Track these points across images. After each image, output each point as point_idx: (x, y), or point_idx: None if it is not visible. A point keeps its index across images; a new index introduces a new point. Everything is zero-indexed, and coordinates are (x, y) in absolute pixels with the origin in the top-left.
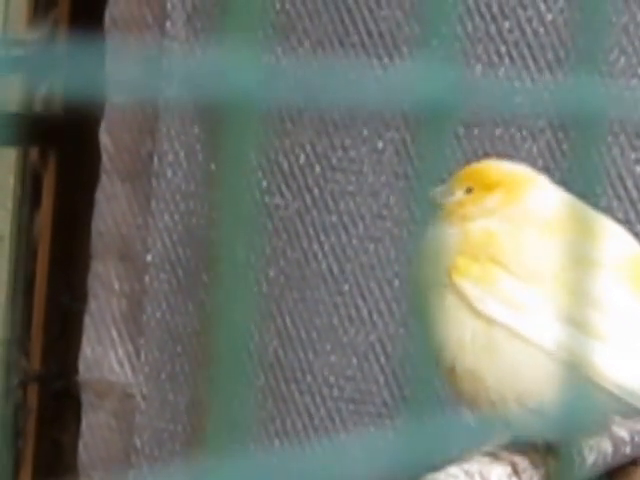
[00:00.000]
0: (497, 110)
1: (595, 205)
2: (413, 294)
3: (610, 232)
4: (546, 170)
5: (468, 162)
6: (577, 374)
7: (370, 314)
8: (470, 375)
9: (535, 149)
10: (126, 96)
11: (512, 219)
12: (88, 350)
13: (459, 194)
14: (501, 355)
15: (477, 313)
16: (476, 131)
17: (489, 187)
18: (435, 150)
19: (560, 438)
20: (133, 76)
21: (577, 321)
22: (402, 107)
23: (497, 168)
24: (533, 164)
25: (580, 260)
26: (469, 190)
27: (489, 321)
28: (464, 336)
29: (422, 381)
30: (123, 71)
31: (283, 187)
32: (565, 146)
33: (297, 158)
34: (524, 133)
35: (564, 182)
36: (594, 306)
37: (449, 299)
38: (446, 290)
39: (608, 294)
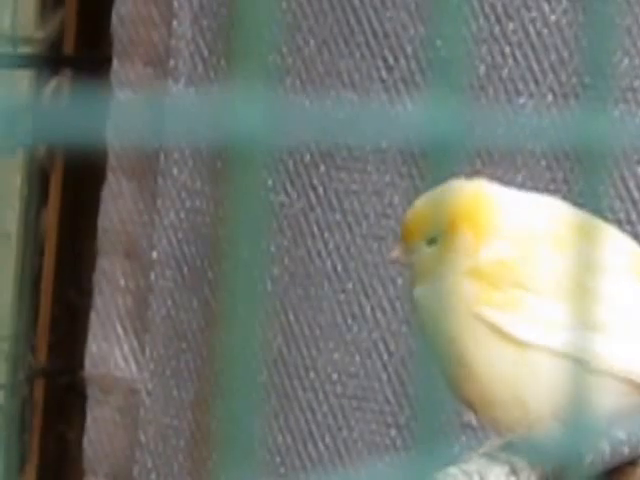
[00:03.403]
0: (503, 143)
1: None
2: (428, 346)
3: (607, 231)
4: (549, 169)
5: (471, 162)
6: (599, 377)
7: (373, 312)
8: (511, 403)
9: (538, 149)
10: (129, 141)
11: (511, 242)
12: (94, 346)
13: (424, 250)
14: (543, 376)
15: (512, 340)
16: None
17: (453, 229)
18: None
19: (583, 444)
20: (136, 121)
21: (602, 325)
22: (409, 144)
23: (447, 204)
24: (537, 164)
25: (591, 264)
26: (432, 241)
27: (525, 345)
28: (504, 366)
29: (434, 421)
30: (126, 116)
31: (288, 185)
32: (568, 147)
33: (302, 157)
34: (527, 133)
35: (568, 183)
36: (614, 308)
37: (478, 334)
38: (473, 327)
39: (625, 293)
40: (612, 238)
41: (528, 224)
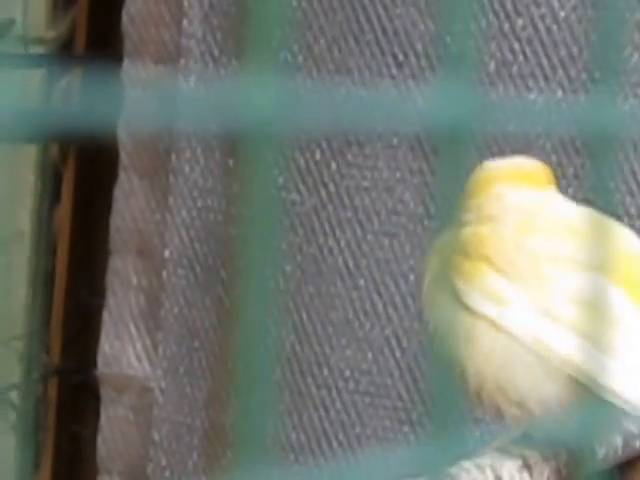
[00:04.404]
0: (516, 129)
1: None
2: (424, 291)
3: (604, 230)
4: (559, 166)
5: (482, 158)
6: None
7: (385, 308)
8: (456, 364)
9: (549, 145)
10: (141, 127)
11: (496, 218)
12: (107, 345)
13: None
14: (480, 345)
15: (465, 306)
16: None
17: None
18: (454, 171)
19: (574, 438)
20: (148, 106)
21: (553, 315)
22: (421, 129)
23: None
24: (546, 160)
25: (567, 257)
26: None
27: (473, 313)
28: (455, 328)
29: (441, 384)
30: (138, 102)
31: (299, 183)
32: (578, 142)
33: (313, 154)
34: (537, 129)
35: (579, 178)
36: (578, 304)
37: (446, 294)
38: (444, 291)
39: (594, 293)
40: (608, 237)
41: (525, 210)
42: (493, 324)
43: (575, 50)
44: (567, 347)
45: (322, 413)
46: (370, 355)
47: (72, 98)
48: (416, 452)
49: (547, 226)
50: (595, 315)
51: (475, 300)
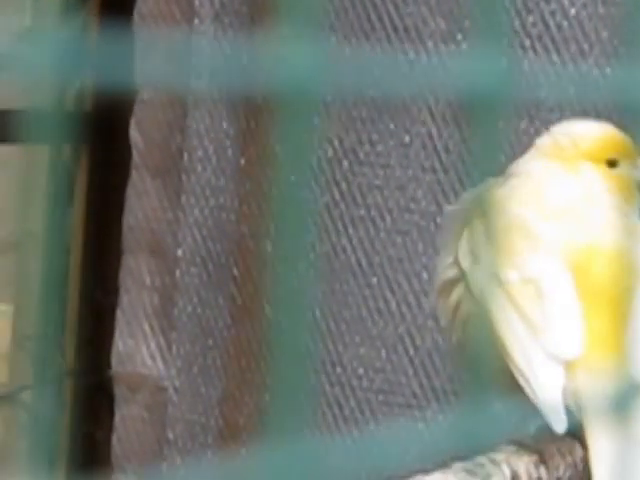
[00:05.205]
0: (550, 98)
1: None
2: None
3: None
4: None
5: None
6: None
7: (398, 306)
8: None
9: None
10: (155, 89)
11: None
12: (120, 344)
13: None
14: (453, 299)
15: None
16: (500, 124)
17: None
18: (486, 139)
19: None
20: (162, 69)
21: (501, 287)
22: (453, 96)
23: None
24: None
25: (539, 235)
26: None
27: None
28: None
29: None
30: (152, 64)
31: (311, 181)
32: None
33: (325, 152)
34: (549, 127)
35: None
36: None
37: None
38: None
39: (542, 274)
40: (578, 224)
41: (543, 179)
42: (464, 280)
43: (586, 47)
44: (500, 323)
45: (336, 411)
46: (384, 353)
47: (85, 96)
48: (446, 428)
49: (540, 200)
50: (535, 299)
51: (462, 252)
